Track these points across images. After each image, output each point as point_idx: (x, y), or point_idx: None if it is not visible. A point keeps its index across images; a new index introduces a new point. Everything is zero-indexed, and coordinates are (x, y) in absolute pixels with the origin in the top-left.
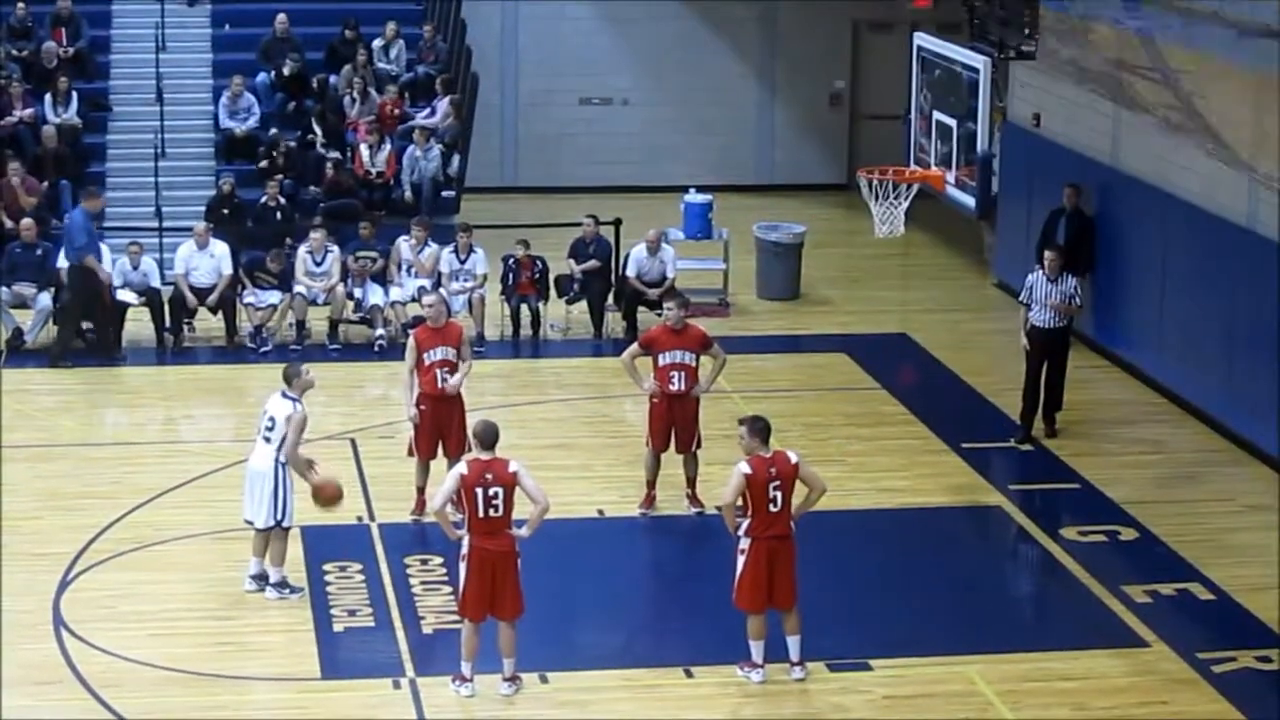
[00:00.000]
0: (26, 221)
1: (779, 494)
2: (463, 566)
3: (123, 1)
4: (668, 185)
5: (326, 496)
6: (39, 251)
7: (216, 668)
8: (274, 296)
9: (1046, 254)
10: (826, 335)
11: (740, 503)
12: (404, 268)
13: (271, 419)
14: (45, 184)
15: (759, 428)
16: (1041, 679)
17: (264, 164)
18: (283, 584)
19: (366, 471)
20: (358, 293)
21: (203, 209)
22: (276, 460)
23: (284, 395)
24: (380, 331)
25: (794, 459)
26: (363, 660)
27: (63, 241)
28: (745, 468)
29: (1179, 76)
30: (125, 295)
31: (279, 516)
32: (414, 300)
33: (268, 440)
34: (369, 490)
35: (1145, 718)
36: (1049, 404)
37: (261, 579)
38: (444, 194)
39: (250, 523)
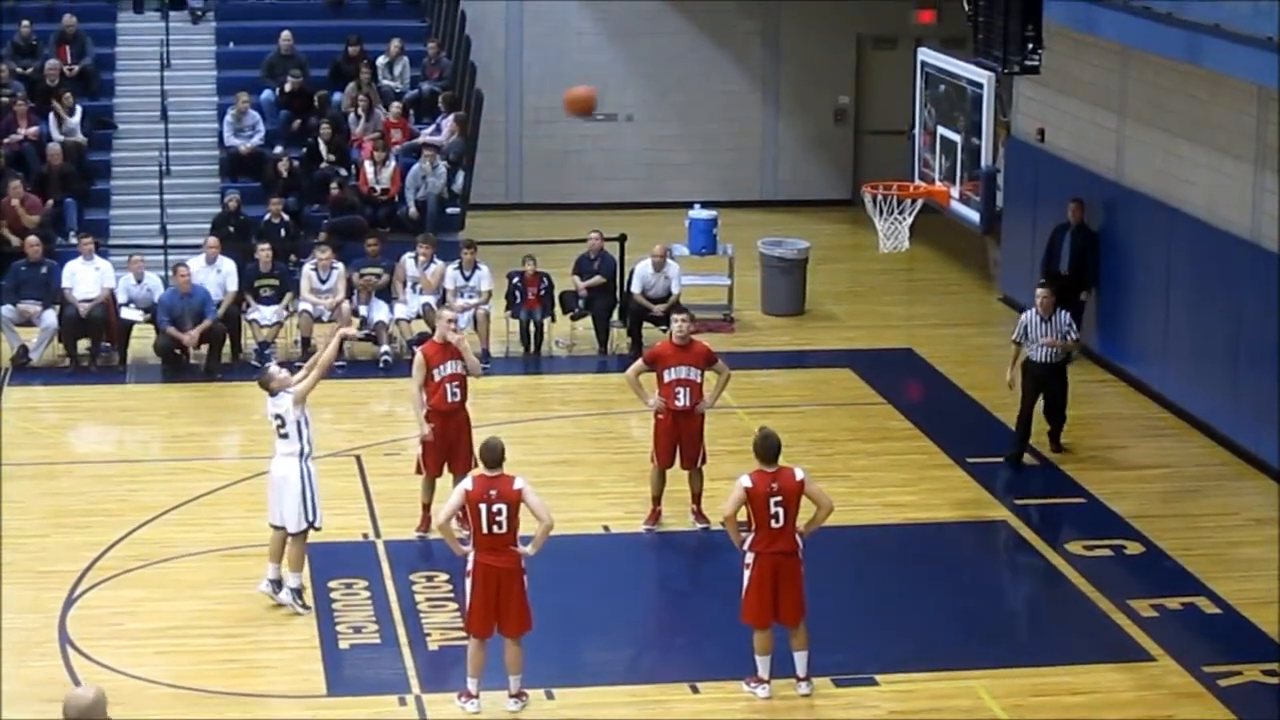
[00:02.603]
0: (32, 239)
1: (781, 510)
2: (468, 582)
3: (127, 19)
4: (672, 201)
5: (581, 104)
6: (44, 269)
7: (223, 685)
8: (277, 312)
9: (1039, 292)
10: (831, 350)
11: (745, 517)
12: (409, 284)
13: (279, 416)
14: (50, 202)
15: (768, 445)
16: (1048, 693)
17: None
18: (298, 592)
19: (372, 488)
20: (363, 310)
21: (207, 226)
22: (301, 456)
23: (272, 398)
24: (385, 348)
25: (799, 476)
26: (369, 677)
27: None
28: (746, 480)
29: None
30: (130, 313)
31: (310, 518)
32: (418, 317)
33: (285, 437)
34: (374, 507)
35: None
36: (1053, 425)
37: (277, 584)
38: (449, 210)
39: (280, 527)
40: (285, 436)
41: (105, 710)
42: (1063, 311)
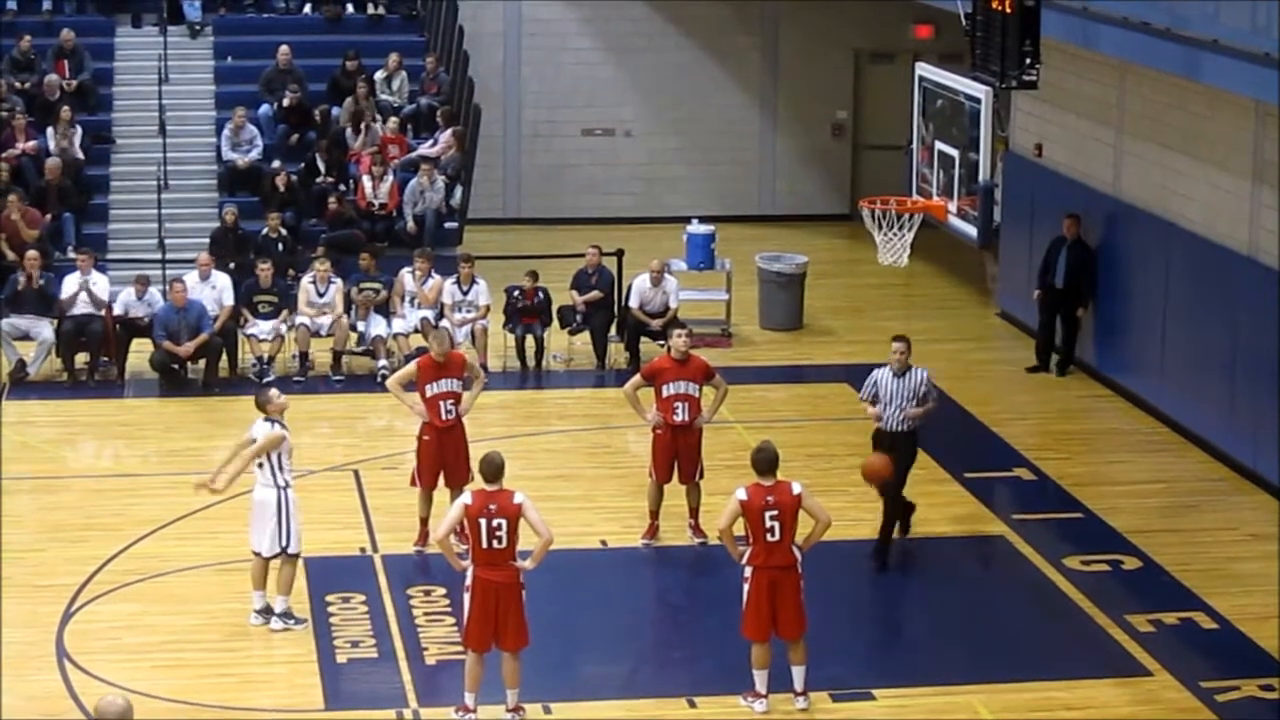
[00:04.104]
0: (31, 254)
1: (777, 524)
2: (466, 597)
3: (125, 34)
4: (670, 216)
5: (875, 474)
6: (41, 283)
7: (220, 699)
8: (275, 327)
9: (894, 345)
10: (829, 365)
11: (742, 530)
12: (407, 299)
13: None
14: (48, 216)
15: (764, 458)
16: (1045, 708)
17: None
18: (287, 614)
19: (369, 503)
20: (361, 326)
21: (205, 241)
22: (277, 486)
23: (264, 420)
24: (383, 363)
25: (796, 490)
26: (366, 691)
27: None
28: (741, 493)
29: None
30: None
31: (284, 543)
32: (416, 331)
33: (260, 468)
34: (372, 521)
35: None
36: (896, 513)
37: (266, 612)
38: (446, 225)
39: (258, 553)
40: (260, 467)
41: (133, 717)
42: (919, 370)
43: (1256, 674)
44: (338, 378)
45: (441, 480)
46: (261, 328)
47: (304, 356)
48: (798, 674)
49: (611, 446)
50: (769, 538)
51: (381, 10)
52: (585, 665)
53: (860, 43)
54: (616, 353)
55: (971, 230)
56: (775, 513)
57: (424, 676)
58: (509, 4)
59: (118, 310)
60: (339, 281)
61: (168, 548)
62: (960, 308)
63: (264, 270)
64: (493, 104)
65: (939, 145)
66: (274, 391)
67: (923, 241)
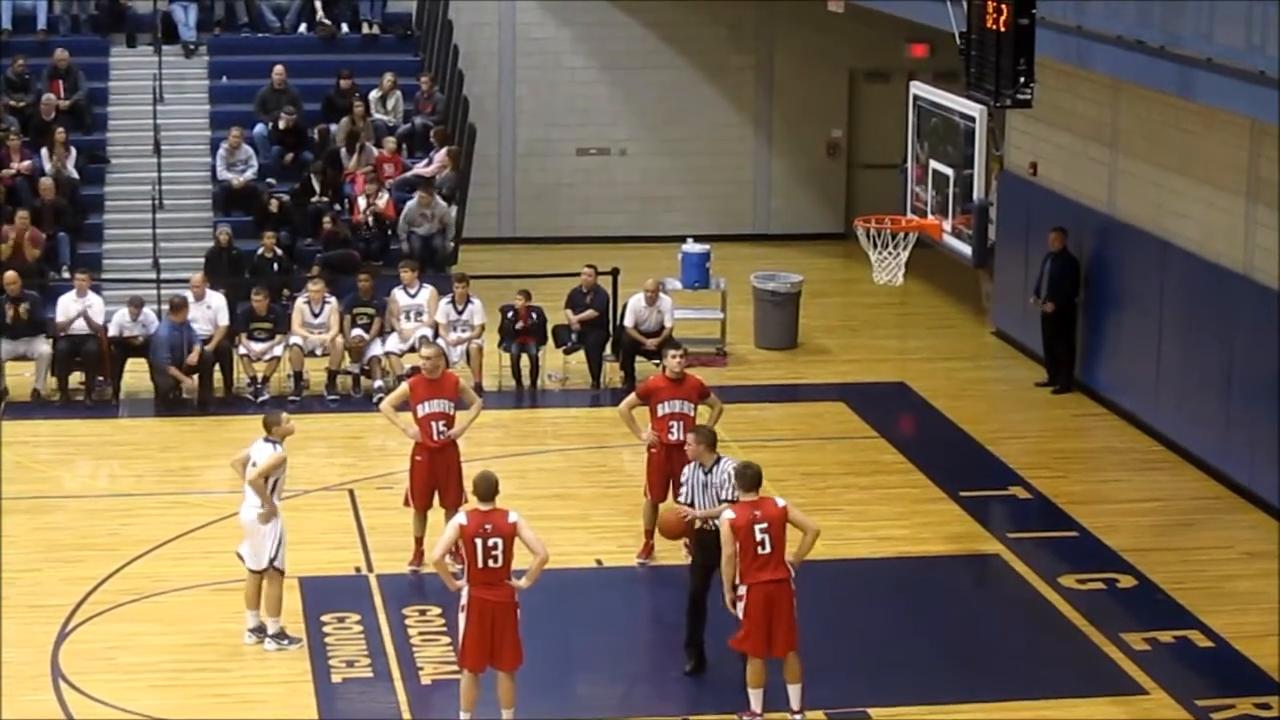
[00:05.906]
0: (9, 275)
1: (766, 537)
2: (462, 617)
3: (120, 53)
4: (665, 235)
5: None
6: (28, 309)
7: (216, 719)
8: (274, 348)
9: (690, 438)
10: (824, 384)
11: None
12: (405, 314)
13: (255, 465)
14: (44, 236)
15: (747, 476)
16: None
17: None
18: (281, 635)
19: (364, 522)
20: (354, 368)
21: (201, 261)
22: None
23: (265, 440)
24: (379, 383)
25: (781, 503)
26: (361, 711)
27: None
28: (729, 513)
29: None
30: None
31: (272, 555)
32: (412, 350)
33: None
34: (367, 541)
35: None
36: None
37: (260, 631)
38: (437, 242)
39: (249, 568)
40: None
41: None
42: (726, 460)
43: (1252, 692)
44: (332, 397)
45: (436, 500)
46: (255, 348)
47: (298, 376)
48: (794, 693)
49: (607, 466)
50: (759, 551)
51: (376, 30)
52: (580, 685)
53: (855, 61)
54: (612, 372)
55: (966, 249)
56: (764, 525)
57: (419, 696)
58: (504, 23)
59: (112, 330)
60: (334, 301)
61: (163, 567)
62: (955, 326)
63: (259, 300)
64: (487, 123)
65: (934, 164)
66: (285, 415)
67: (917, 260)
